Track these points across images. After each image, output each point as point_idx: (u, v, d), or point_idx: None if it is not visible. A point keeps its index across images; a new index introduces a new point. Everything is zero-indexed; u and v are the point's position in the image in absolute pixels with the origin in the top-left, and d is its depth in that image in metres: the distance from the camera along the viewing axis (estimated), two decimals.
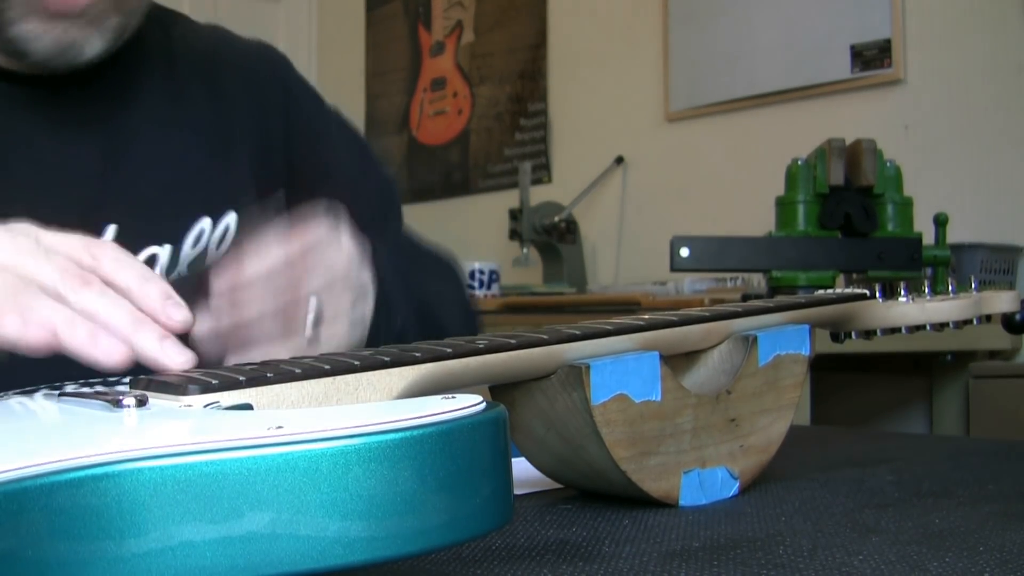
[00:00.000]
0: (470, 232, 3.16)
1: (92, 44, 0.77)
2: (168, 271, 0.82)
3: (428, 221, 2.63)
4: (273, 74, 0.96)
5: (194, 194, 0.86)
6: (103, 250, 0.53)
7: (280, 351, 0.60)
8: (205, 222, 0.85)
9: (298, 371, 0.43)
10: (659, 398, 0.56)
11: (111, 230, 0.80)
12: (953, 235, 1.34)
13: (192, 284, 0.60)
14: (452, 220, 3.25)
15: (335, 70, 3.76)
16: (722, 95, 2.60)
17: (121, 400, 0.39)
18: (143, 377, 0.45)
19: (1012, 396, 1.90)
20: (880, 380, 2.30)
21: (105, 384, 0.47)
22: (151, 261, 0.82)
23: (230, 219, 0.87)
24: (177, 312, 0.51)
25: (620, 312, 1.83)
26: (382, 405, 0.42)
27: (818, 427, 1.30)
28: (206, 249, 0.85)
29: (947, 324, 0.73)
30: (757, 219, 2.04)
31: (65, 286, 0.50)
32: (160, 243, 0.82)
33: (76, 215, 0.79)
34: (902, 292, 0.73)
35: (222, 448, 0.31)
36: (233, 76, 0.93)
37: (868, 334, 0.72)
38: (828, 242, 1.20)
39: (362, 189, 0.97)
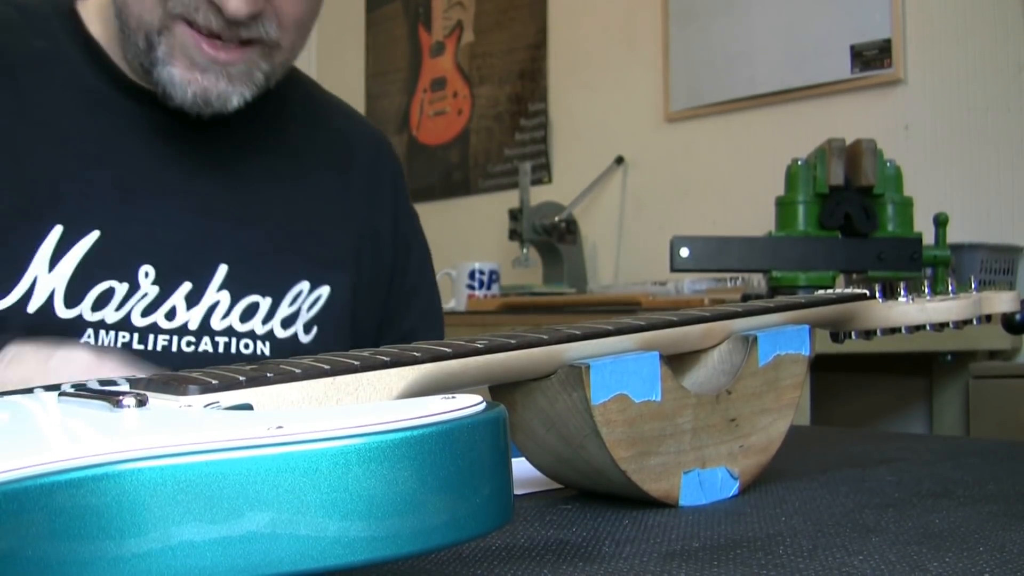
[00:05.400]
0: (470, 232, 3.16)
1: (238, 96, 0.79)
2: (264, 322, 0.85)
3: (428, 221, 2.61)
4: (391, 176, 1.00)
5: (301, 256, 0.88)
6: None
7: None
8: (304, 285, 0.88)
9: (298, 371, 0.43)
10: (659, 398, 0.56)
11: (223, 270, 0.82)
12: (953, 235, 1.34)
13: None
14: (452, 220, 3.24)
15: (335, 70, 3.76)
16: (722, 95, 2.59)
17: (121, 400, 0.39)
18: (143, 377, 0.44)
19: (1012, 396, 1.90)
20: (880, 380, 2.30)
21: (105, 384, 0.47)
22: (252, 309, 0.84)
23: (324, 291, 0.89)
24: None
25: (620, 312, 1.83)
26: (382, 405, 0.42)
27: (818, 427, 1.30)
28: (298, 312, 0.87)
29: (947, 324, 0.73)
30: (757, 219, 2.04)
31: None
32: (263, 294, 0.85)
33: (190, 249, 0.82)
34: (902, 292, 0.73)
35: (222, 448, 0.31)
36: (356, 161, 0.96)
37: (868, 334, 0.72)
38: (828, 242, 1.20)
39: (431, 310, 1.03)
